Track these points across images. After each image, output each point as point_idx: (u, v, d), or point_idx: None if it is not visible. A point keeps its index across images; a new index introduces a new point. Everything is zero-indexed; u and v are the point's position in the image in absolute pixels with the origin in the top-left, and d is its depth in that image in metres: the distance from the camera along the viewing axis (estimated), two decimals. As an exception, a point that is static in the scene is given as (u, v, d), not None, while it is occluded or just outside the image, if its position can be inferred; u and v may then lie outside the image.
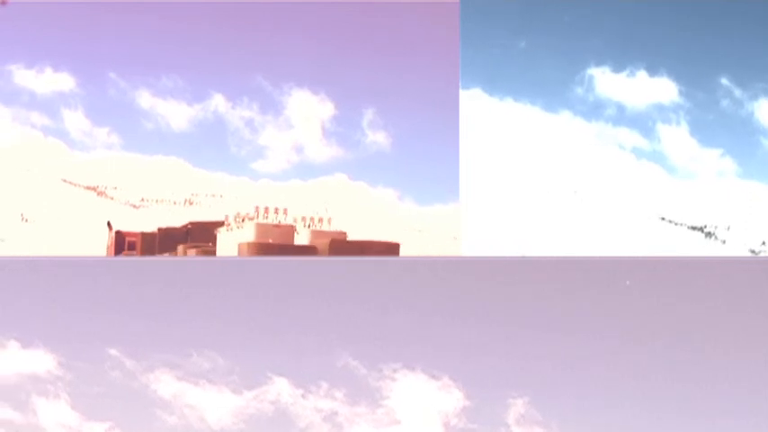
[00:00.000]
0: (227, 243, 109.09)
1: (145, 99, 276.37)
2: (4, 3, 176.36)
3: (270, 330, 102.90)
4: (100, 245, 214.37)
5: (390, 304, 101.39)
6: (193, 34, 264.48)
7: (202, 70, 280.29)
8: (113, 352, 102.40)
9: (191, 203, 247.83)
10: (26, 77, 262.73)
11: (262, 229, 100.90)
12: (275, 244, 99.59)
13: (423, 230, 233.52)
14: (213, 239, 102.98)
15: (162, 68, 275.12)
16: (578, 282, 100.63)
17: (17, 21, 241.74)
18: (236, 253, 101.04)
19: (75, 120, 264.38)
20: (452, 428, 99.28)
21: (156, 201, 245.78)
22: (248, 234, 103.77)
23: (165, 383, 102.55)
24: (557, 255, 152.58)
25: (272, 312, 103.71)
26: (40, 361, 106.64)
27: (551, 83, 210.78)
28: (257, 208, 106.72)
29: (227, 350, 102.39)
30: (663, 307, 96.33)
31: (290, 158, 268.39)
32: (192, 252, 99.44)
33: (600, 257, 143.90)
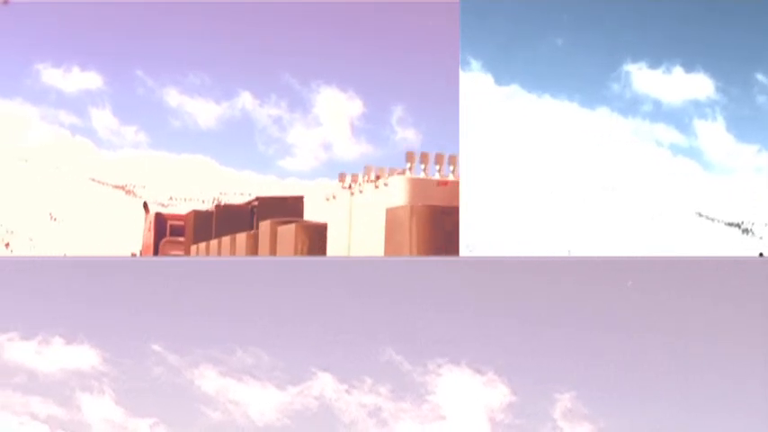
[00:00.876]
0: (361, 211, 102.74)
1: (172, 97, 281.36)
2: (5, 2, 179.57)
3: (313, 325, 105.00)
4: (130, 243, 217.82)
5: (435, 300, 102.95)
6: (220, 32, 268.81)
7: (230, 68, 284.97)
8: (156, 348, 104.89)
9: (219, 202, 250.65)
10: (54, 76, 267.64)
11: (419, 186, 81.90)
12: (446, 207, 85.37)
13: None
14: (294, 214, 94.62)
15: (189, 66, 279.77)
16: (620, 280, 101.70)
17: (43, 20, 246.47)
18: (379, 223, 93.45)
19: (102, 118, 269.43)
20: (498, 424, 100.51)
21: (185, 199, 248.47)
22: (398, 195, 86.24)
23: (208, 379, 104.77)
24: (596, 253, 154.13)
25: (315, 308, 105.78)
26: (84, 357, 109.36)
27: (588, 79, 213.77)
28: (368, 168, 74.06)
29: (271, 346, 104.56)
30: (702, 306, 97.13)
31: (319, 156, 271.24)
32: (284, 228, 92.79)
33: (638, 257, 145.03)
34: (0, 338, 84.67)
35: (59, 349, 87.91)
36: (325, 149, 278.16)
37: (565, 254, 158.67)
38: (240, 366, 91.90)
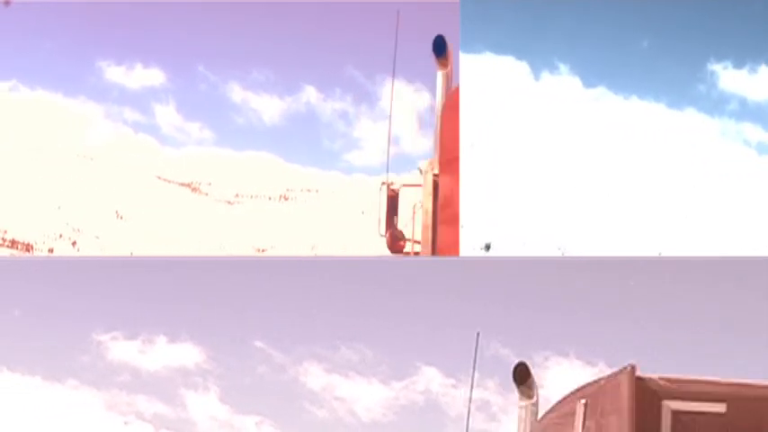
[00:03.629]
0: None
1: (236, 93, 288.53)
2: (7, 3, 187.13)
3: (416, 321, 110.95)
4: (197, 241, 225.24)
5: (539, 297, 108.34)
6: (282, 27, 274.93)
7: (293, 63, 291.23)
8: (260, 345, 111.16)
9: (285, 199, 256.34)
10: (116, 74, 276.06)
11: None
12: None
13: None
14: None
15: (252, 62, 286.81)
16: (725, 278, 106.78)
17: (105, 18, 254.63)
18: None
19: (166, 114, 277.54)
20: None
21: (251, 196, 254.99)
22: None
23: (313, 376, 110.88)
24: (686, 253, 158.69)
25: (417, 304, 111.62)
26: (188, 355, 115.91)
27: (674, 80, 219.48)
28: None
29: (375, 342, 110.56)
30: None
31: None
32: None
33: (731, 257, 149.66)
34: (103, 338, 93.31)
35: (163, 348, 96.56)
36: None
37: (656, 254, 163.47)
38: (345, 363, 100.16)
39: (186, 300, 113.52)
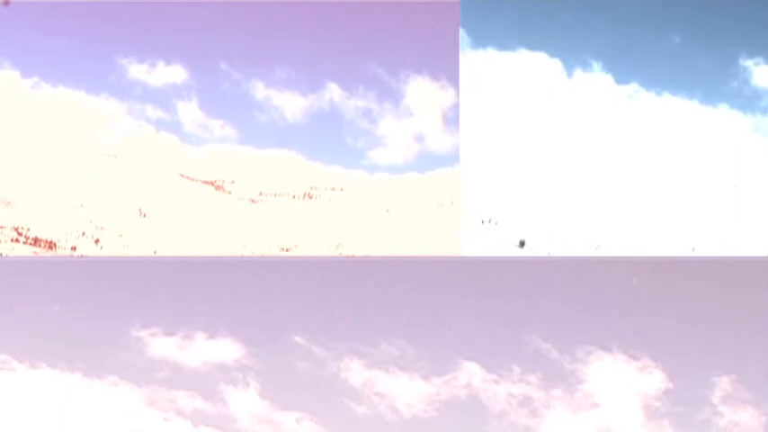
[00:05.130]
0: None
1: (258, 91, 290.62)
2: (6, 3, 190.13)
3: (456, 317, 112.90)
4: (220, 239, 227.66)
5: (576, 293, 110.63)
6: (305, 24, 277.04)
7: (316, 60, 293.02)
8: (300, 341, 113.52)
9: (310, 197, 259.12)
10: (139, 71, 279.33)
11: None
12: None
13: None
14: None
15: (274, 59, 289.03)
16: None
17: (127, 15, 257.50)
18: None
19: (189, 111, 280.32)
20: (655, 412, 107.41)
21: (275, 194, 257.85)
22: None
23: (354, 372, 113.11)
24: (720, 250, 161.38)
25: (457, 301, 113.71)
26: (228, 351, 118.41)
27: (707, 76, 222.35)
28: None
29: (416, 337, 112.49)
30: None
31: (411, 147, 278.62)
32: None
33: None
34: (142, 334, 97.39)
35: (202, 344, 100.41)
36: (417, 141, 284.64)
37: (689, 251, 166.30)
38: (385, 358, 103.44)
39: (224, 297, 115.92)
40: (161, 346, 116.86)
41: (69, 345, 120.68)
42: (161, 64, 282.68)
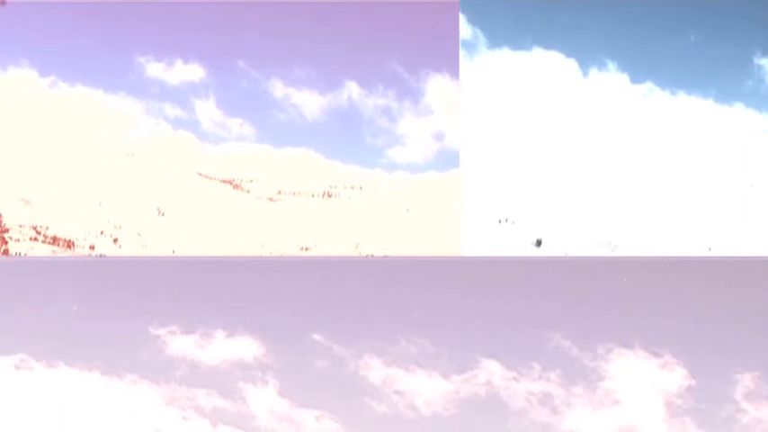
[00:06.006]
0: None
1: (277, 89, 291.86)
2: (3, 3, 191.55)
3: (476, 315, 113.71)
4: (238, 238, 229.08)
5: (595, 292, 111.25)
6: (323, 22, 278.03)
7: (334, 58, 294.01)
8: (319, 339, 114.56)
9: (329, 196, 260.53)
10: (156, 69, 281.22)
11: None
12: None
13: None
14: None
15: (292, 57, 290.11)
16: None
17: (144, 14, 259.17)
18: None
19: (207, 110, 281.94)
20: (677, 409, 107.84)
21: (293, 193, 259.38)
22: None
23: (374, 370, 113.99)
24: (737, 250, 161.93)
25: (476, 300, 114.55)
26: (247, 349, 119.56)
27: (722, 75, 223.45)
28: None
29: (435, 335, 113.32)
30: None
31: (430, 146, 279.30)
32: None
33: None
34: (161, 332, 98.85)
35: (221, 342, 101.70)
36: (437, 139, 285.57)
37: (705, 251, 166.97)
38: (405, 356, 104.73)
39: (244, 296, 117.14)
40: (180, 344, 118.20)
41: (88, 344, 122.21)
42: (179, 62, 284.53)
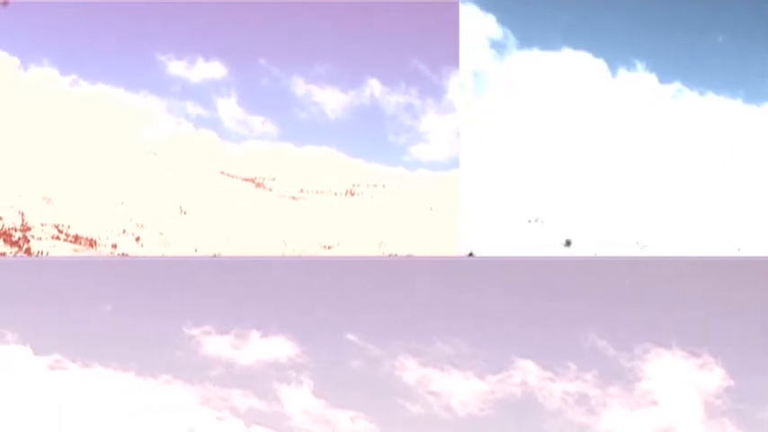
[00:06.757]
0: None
1: (299, 87, 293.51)
2: (5, 3, 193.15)
3: (510, 316, 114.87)
4: (261, 237, 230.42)
5: (628, 291, 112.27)
6: (344, 19, 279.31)
7: (356, 55, 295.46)
8: (353, 338, 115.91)
9: (352, 194, 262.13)
10: (178, 68, 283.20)
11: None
12: None
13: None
14: None
15: (314, 55, 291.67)
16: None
17: (165, 12, 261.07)
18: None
19: (228, 108, 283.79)
20: (716, 409, 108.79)
21: (316, 192, 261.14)
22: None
23: (409, 370, 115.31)
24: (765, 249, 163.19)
25: (511, 299, 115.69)
26: (281, 349, 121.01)
27: (750, 75, 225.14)
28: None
29: (470, 336, 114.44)
30: None
31: (453, 144, 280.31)
32: None
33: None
34: (195, 332, 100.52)
35: (256, 342, 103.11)
36: (460, 137, 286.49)
37: (734, 251, 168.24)
38: (440, 357, 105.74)
39: (278, 296, 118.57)
40: (215, 344, 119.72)
41: (122, 344, 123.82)
42: (200, 60, 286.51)
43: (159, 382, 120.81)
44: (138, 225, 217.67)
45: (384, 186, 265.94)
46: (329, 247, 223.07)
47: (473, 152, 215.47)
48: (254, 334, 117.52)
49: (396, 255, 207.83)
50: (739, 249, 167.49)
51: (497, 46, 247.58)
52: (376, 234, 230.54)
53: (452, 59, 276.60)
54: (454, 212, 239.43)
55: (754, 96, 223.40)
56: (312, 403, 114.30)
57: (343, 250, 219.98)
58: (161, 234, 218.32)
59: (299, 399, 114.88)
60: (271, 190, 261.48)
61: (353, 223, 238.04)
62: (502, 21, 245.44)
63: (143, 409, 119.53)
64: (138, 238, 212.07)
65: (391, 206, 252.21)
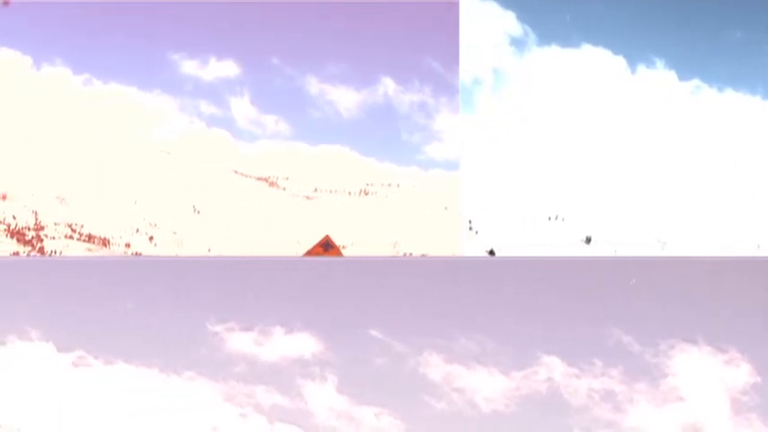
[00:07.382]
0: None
1: (312, 86, 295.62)
2: (6, 3, 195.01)
3: (535, 312, 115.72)
4: (274, 236, 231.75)
5: (653, 289, 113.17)
6: (357, 18, 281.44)
7: (369, 54, 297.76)
8: (377, 334, 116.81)
9: (366, 193, 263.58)
10: (190, 67, 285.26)
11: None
12: None
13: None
14: None
15: (327, 54, 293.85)
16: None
17: (178, 11, 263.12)
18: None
19: (241, 107, 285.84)
20: (742, 406, 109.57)
21: (330, 191, 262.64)
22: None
23: (433, 367, 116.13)
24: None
25: (535, 295, 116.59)
26: (305, 345, 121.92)
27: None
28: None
29: (495, 332, 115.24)
30: None
31: (469, 142, 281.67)
32: None
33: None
34: (219, 329, 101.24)
35: (280, 338, 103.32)
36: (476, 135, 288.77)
37: (754, 248, 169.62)
38: (464, 353, 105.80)
39: (299, 292, 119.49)
40: (238, 341, 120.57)
41: (145, 340, 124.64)
42: (213, 59, 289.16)
43: (183, 379, 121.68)
44: (151, 224, 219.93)
45: (398, 186, 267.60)
46: (343, 247, 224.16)
47: (490, 150, 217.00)
48: (278, 330, 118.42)
49: (410, 254, 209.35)
50: (759, 247, 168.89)
51: (517, 43, 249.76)
52: (390, 233, 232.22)
53: (467, 57, 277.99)
54: (468, 211, 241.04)
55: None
56: (336, 400, 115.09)
57: (357, 250, 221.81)
58: (174, 233, 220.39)
59: (323, 395, 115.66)
60: (284, 189, 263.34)
61: (368, 223, 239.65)
62: (521, 18, 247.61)
63: (166, 405, 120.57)
64: (151, 238, 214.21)
65: (406, 206, 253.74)
